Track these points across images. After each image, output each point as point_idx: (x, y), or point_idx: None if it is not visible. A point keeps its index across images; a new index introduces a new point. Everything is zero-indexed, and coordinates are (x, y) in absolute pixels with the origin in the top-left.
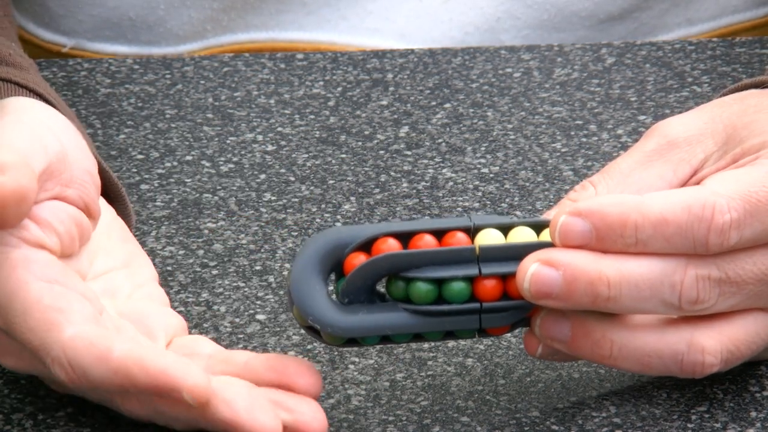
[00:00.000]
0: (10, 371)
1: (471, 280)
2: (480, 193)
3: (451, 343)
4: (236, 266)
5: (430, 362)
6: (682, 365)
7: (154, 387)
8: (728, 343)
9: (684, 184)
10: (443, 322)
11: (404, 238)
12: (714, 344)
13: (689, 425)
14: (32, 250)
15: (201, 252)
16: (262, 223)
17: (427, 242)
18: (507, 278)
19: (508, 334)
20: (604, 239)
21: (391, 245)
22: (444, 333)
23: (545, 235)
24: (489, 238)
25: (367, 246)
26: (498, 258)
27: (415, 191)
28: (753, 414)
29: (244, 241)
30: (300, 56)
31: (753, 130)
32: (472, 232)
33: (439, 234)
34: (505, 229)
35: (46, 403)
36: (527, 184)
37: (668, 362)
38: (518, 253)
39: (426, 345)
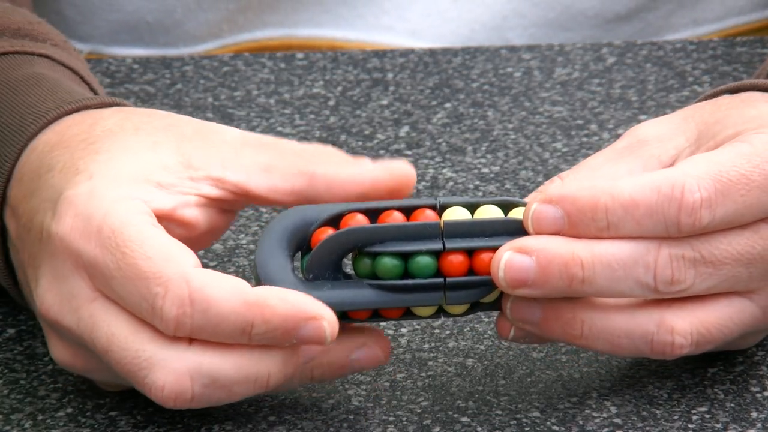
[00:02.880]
0: (9, 371)
1: (437, 255)
2: (480, 193)
3: (451, 344)
4: (236, 266)
5: (430, 362)
6: (652, 345)
7: (294, 316)
8: (699, 325)
9: None
10: (407, 298)
11: (372, 215)
12: (684, 325)
13: (690, 425)
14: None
15: (201, 252)
16: (262, 223)
17: (394, 218)
18: (473, 255)
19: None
20: (577, 224)
21: (359, 220)
22: (404, 312)
23: (512, 215)
24: (455, 215)
25: (334, 222)
26: (462, 234)
27: (415, 191)
28: (754, 414)
29: (244, 241)
30: (300, 56)
31: (725, 124)
32: (438, 209)
33: (408, 212)
34: (472, 208)
35: (46, 403)
36: (527, 184)
37: (638, 342)
38: (482, 228)
39: (426, 345)
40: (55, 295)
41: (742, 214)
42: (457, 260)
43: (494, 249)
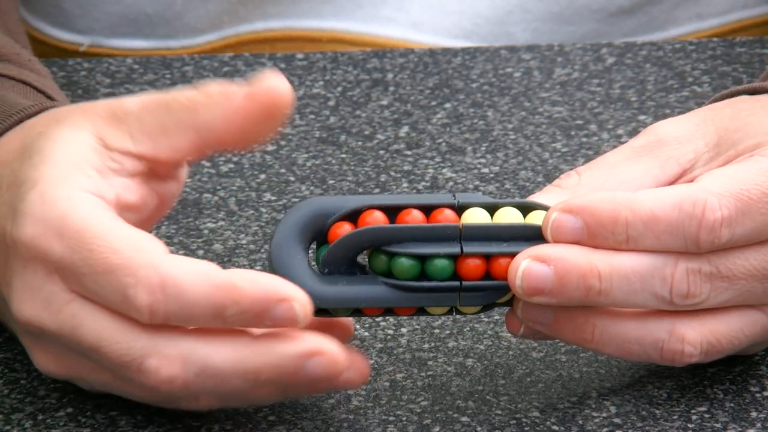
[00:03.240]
0: (9, 371)
1: (454, 258)
2: (480, 193)
3: (451, 344)
4: (236, 266)
5: (430, 362)
6: (662, 353)
7: (263, 298)
8: (709, 335)
9: (671, 182)
10: (421, 298)
11: (391, 212)
12: (694, 335)
13: (689, 425)
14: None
15: (201, 252)
16: (262, 223)
17: (414, 217)
18: (490, 258)
19: (509, 334)
20: (596, 235)
21: (377, 218)
22: (416, 309)
23: (531, 218)
24: (475, 217)
25: (352, 216)
26: (481, 237)
27: (415, 191)
28: (753, 414)
29: (244, 242)
30: (300, 56)
31: (747, 133)
32: (457, 209)
33: (427, 210)
34: (492, 209)
35: (46, 403)
36: (527, 184)
37: (648, 349)
38: (501, 233)
39: (426, 345)
40: (32, 304)
41: (760, 232)
42: (474, 264)
43: (512, 255)
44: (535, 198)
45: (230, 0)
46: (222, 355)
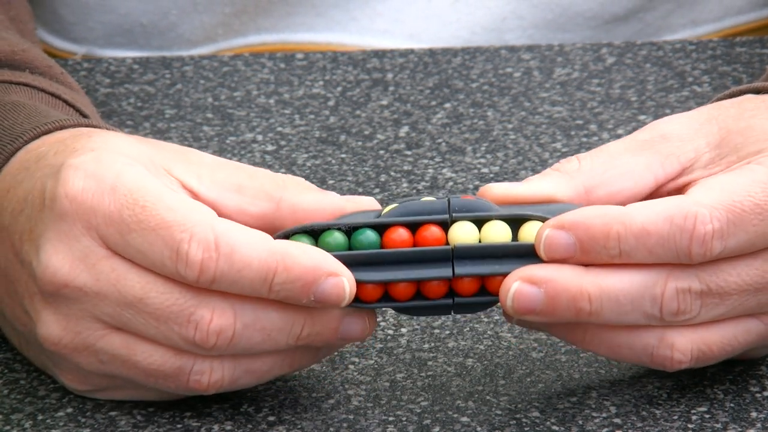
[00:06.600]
0: (9, 371)
1: (447, 278)
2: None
3: (451, 344)
4: None
5: (430, 362)
6: (652, 358)
7: (315, 269)
8: (700, 343)
9: (671, 179)
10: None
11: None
12: (684, 342)
13: (690, 425)
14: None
15: None
16: None
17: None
18: (483, 276)
19: (509, 334)
20: (589, 251)
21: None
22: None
23: (525, 228)
24: (462, 229)
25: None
26: (473, 256)
27: (415, 191)
28: (753, 414)
29: None
30: (300, 56)
31: (749, 137)
32: (448, 225)
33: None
34: (480, 223)
35: (46, 403)
36: None
37: (639, 353)
38: (494, 251)
39: (426, 345)
40: (65, 257)
41: (753, 243)
42: (468, 282)
43: (505, 275)
44: (535, 180)
45: (225, 12)
46: (272, 305)
